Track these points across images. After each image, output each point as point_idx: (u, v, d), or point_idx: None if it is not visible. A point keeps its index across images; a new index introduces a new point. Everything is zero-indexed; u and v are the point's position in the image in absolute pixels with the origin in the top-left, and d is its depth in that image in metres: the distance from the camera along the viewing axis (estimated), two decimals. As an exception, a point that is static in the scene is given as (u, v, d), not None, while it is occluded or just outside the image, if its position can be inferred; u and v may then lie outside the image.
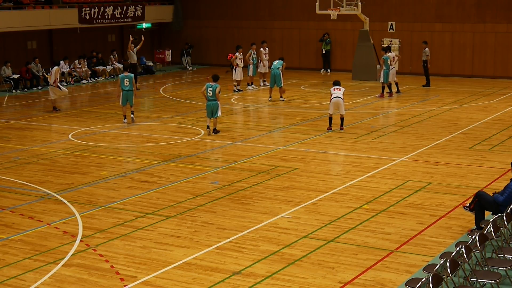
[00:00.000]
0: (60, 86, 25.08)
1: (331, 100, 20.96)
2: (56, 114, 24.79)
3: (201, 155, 18.44)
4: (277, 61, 27.09)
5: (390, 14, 34.66)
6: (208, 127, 20.66)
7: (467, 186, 15.20)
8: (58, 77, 25.31)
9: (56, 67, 25.34)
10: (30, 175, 16.52)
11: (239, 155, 18.37)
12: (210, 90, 20.18)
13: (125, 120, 22.86)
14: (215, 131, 20.62)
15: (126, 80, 22.61)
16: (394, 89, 28.15)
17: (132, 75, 23.03)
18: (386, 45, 31.33)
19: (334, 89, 20.95)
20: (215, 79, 20.54)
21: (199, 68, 38.30)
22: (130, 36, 30.94)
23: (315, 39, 36.31)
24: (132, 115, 22.97)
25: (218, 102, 20.23)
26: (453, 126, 21.68)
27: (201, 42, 39.25)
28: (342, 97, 20.85)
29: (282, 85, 26.82)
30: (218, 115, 20.43)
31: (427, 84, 30.35)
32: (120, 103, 22.89)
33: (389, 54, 27.88)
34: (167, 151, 18.83)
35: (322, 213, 13.51)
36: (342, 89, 21.03)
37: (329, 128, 21.12)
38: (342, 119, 21.27)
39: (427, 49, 30.02)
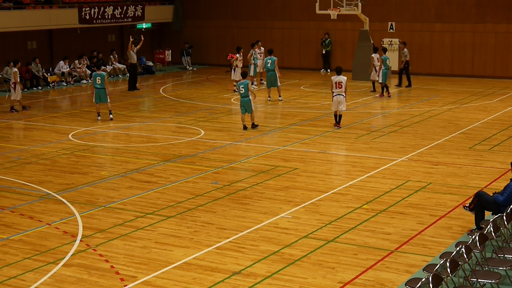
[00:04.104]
0: (15, 89, 24.88)
1: (333, 97, 21.20)
2: (16, 114, 24.76)
3: (201, 155, 18.44)
4: (269, 60, 26.88)
5: (390, 14, 34.65)
6: (244, 126, 21.40)
7: (467, 186, 15.20)
8: (18, 79, 25.24)
9: (14, 69, 25.33)
10: (30, 175, 16.52)
11: (239, 155, 18.37)
12: (242, 88, 20.93)
13: (99, 118, 23.35)
14: (254, 126, 21.42)
15: (98, 78, 23.19)
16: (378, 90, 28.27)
17: (104, 73, 23.45)
18: (383, 46, 31.43)
19: (336, 83, 21.00)
20: (244, 76, 21.72)
21: (199, 68, 38.30)
22: (130, 36, 30.96)
23: (315, 39, 36.30)
24: (110, 115, 23.33)
25: (250, 98, 20.91)
26: (453, 126, 21.68)
27: (201, 42, 39.25)
28: (343, 94, 21.03)
29: (279, 84, 26.87)
30: (253, 111, 21.24)
31: (409, 84, 30.13)
32: (94, 101, 23.47)
33: (374, 55, 28.33)
34: (167, 151, 18.83)
35: (322, 213, 13.51)
36: (344, 79, 21.07)
37: (335, 125, 21.44)
38: (340, 116, 21.43)
39: (405, 49, 29.99)
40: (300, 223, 12.97)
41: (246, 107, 21.09)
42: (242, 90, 20.98)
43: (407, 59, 29.88)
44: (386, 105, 26.26)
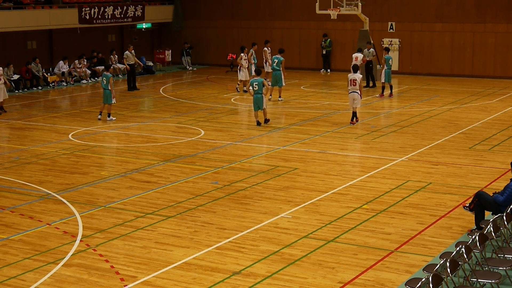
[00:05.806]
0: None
1: (348, 95, 21.89)
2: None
3: (201, 155, 18.44)
4: (276, 59, 26.84)
5: (390, 14, 34.65)
6: (257, 122, 21.90)
7: (467, 186, 15.20)
8: (3, 79, 25.22)
9: None
10: (30, 175, 16.51)
11: (239, 155, 18.37)
12: (256, 85, 21.50)
13: (99, 117, 23.44)
14: (266, 121, 22.00)
15: (104, 79, 23.33)
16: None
17: (109, 75, 23.36)
18: (386, 46, 31.45)
19: (351, 80, 21.56)
20: (258, 73, 22.21)
21: (199, 68, 38.29)
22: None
23: (315, 39, 36.31)
24: (108, 118, 23.27)
25: (263, 95, 21.53)
26: (453, 126, 21.68)
27: (201, 42, 39.25)
28: (358, 92, 21.50)
29: (284, 84, 26.86)
30: (264, 107, 21.75)
31: (373, 85, 29.87)
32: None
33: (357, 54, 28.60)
34: (167, 151, 18.83)
35: (322, 213, 13.51)
36: (359, 77, 21.50)
37: (352, 122, 21.94)
38: (354, 112, 21.87)
39: (372, 49, 29.97)
40: (300, 223, 12.97)
41: (259, 104, 21.55)
42: (255, 87, 21.42)
43: (373, 59, 29.85)
44: (386, 105, 26.26)
